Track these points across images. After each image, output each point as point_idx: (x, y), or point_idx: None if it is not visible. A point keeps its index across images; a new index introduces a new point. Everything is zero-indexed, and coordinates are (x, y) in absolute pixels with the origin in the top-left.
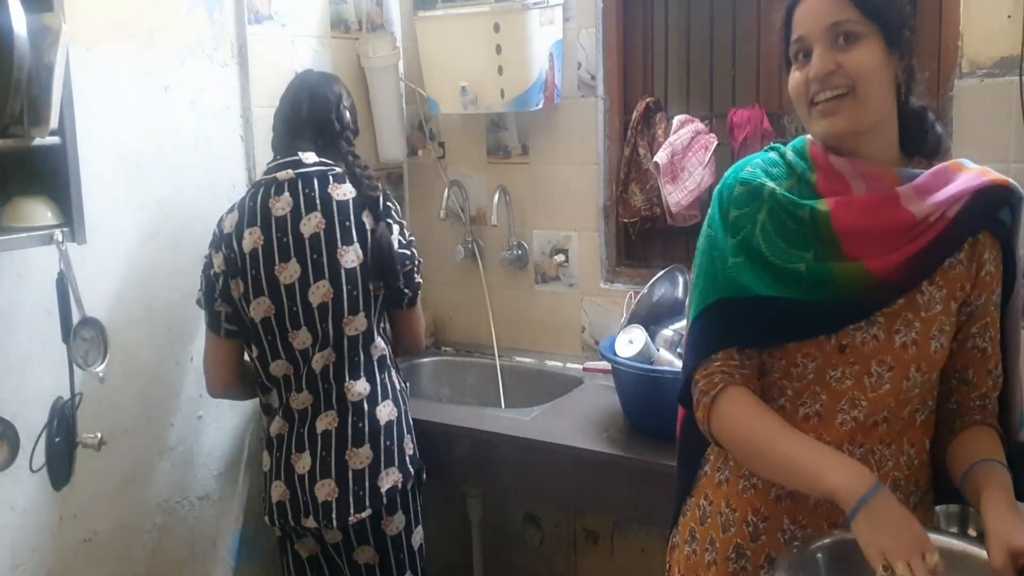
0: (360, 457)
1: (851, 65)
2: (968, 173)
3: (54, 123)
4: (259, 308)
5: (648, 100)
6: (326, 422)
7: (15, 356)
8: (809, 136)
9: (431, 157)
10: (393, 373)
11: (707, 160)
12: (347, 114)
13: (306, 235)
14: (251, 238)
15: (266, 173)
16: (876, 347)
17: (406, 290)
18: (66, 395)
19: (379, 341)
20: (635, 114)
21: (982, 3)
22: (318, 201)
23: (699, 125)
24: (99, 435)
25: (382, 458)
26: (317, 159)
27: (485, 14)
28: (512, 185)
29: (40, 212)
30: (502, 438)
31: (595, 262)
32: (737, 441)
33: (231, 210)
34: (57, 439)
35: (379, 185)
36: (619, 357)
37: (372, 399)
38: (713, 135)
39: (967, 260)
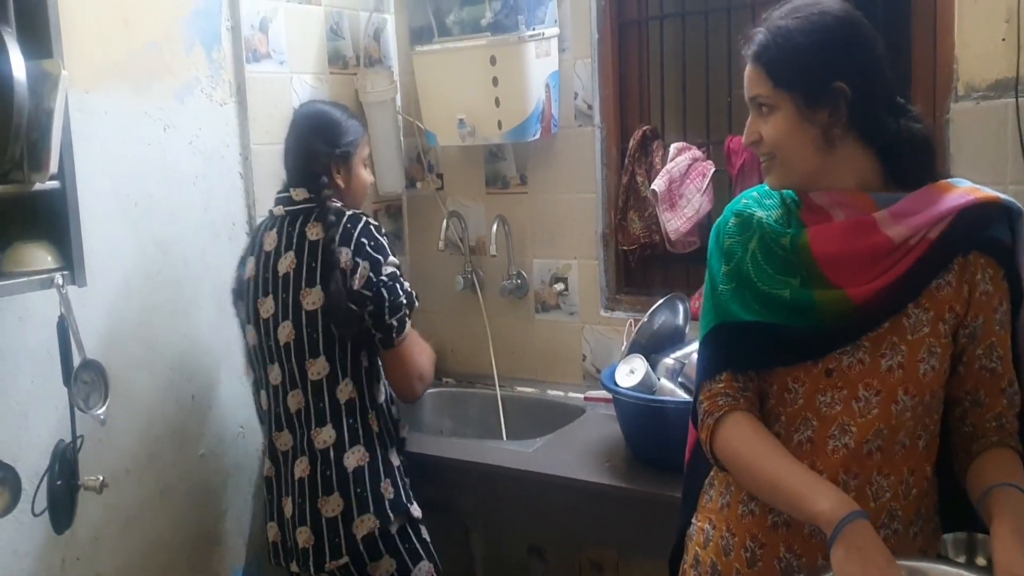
0: (331, 505)
1: (766, 135)
2: (955, 192)
3: (54, 168)
4: (250, 335)
5: (645, 128)
6: (301, 468)
7: (16, 399)
8: None
9: (430, 188)
10: (369, 416)
11: (705, 187)
12: (344, 137)
13: (280, 273)
14: (249, 267)
15: (273, 205)
16: (862, 371)
17: (375, 331)
18: (67, 438)
19: (345, 384)
20: (632, 142)
21: (976, 26)
22: (294, 240)
23: (696, 152)
24: (101, 477)
25: (354, 505)
26: (305, 196)
27: (481, 47)
28: (511, 215)
29: (40, 256)
30: (504, 471)
31: (595, 290)
32: (734, 462)
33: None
34: (59, 482)
35: (362, 218)
36: (620, 387)
37: (339, 446)
38: (710, 162)
39: (956, 281)
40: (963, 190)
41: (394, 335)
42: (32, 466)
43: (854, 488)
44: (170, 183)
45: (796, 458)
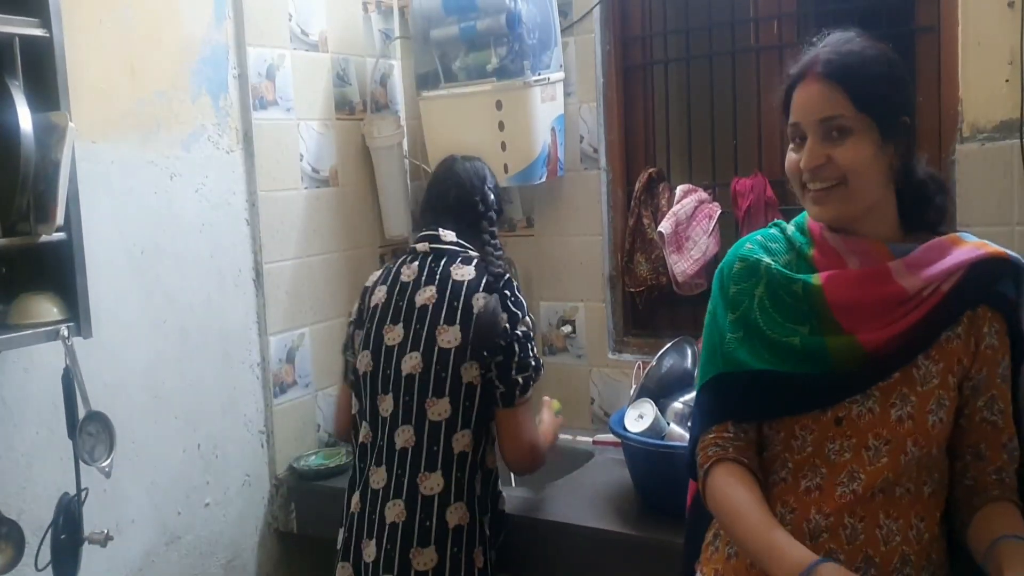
0: (425, 558)
1: (842, 160)
2: (965, 247)
3: (60, 219)
4: (363, 361)
5: (651, 171)
6: (395, 512)
7: (21, 452)
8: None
9: None
10: (477, 475)
11: (711, 229)
12: (491, 195)
13: (417, 304)
14: (378, 295)
15: (413, 241)
16: (872, 420)
17: (498, 383)
18: (72, 491)
19: (463, 435)
20: (638, 185)
21: (980, 68)
22: (437, 277)
23: (702, 194)
24: (106, 531)
25: (447, 564)
26: (455, 239)
27: (488, 92)
28: (518, 257)
29: (46, 308)
30: (513, 518)
31: (602, 333)
32: (718, 515)
33: (380, 270)
34: (63, 536)
35: (504, 269)
36: (629, 432)
37: (444, 498)
38: (717, 204)
39: (965, 334)
40: (973, 244)
41: (517, 392)
42: (36, 520)
43: (862, 531)
44: (176, 232)
45: (802, 503)
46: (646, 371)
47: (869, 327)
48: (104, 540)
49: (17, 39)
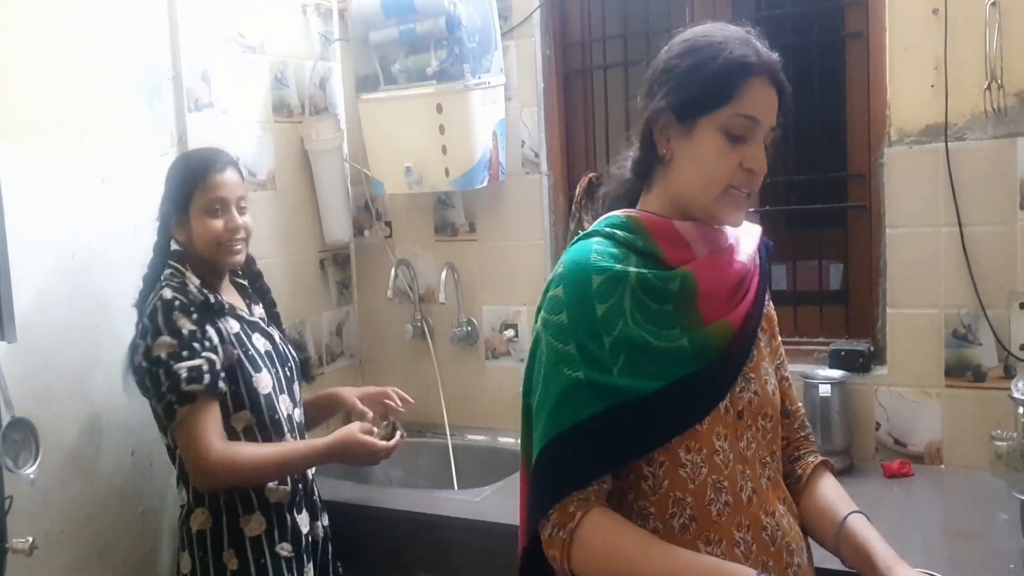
0: (183, 562)
1: (764, 173)
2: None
3: None
4: None
5: (591, 175)
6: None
7: None
8: (626, 212)
9: (378, 237)
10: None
11: None
12: (174, 189)
13: None
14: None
15: None
16: (760, 402)
17: (153, 405)
18: None
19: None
20: (578, 189)
21: (907, 74)
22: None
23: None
24: (31, 539)
25: (198, 568)
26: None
27: (428, 95)
28: (460, 262)
29: None
30: (453, 521)
31: None
32: (605, 571)
33: None
34: None
35: (163, 292)
36: None
37: (184, 508)
38: None
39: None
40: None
41: (168, 417)
42: None
43: (753, 540)
44: (108, 235)
45: (747, 515)
46: None
47: (725, 308)
48: (29, 549)
49: None
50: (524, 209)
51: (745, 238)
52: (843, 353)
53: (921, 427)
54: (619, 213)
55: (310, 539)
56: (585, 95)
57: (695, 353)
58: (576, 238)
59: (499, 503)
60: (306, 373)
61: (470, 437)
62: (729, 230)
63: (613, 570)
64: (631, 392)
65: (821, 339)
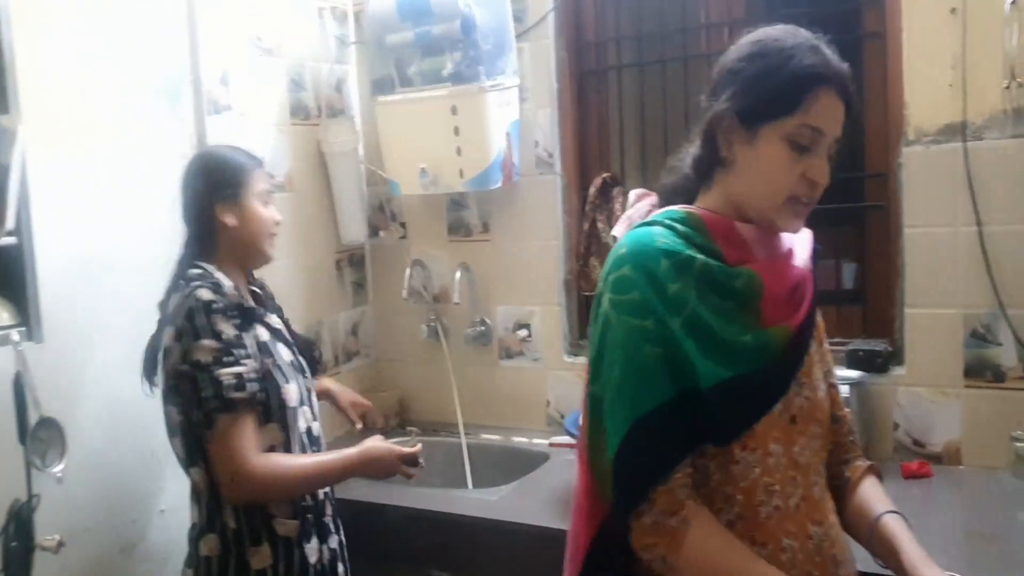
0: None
1: (826, 183)
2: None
3: (11, 224)
4: None
5: (605, 175)
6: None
7: None
8: (685, 208)
9: (393, 237)
10: (217, 504)
11: None
12: (231, 175)
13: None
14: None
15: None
16: (811, 408)
17: (178, 416)
18: (23, 497)
19: (194, 472)
20: (592, 189)
21: (925, 73)
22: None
23: (655, 198)
24: (58, 537)
25: None
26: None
27: (443, 97)
28: (474, 263)
29: None
30: (469, 520)
31: (558, 336)
32: (712, 572)
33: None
34: (14, 543)
35: (195, 295)
36: None
37: (193, 530)
38: None
39: None
40: None
41: (207, 429)
42: None
43: (800, 548)
44: (129, 237)
45: (758, 530)
46: None
47: (784, 313)
48: (56, 547)
49: None
50: (538, 209)
51: (799, 243)
52: (861, 353)
53: (940, 427)
54: (678, 208)
55: (319, 567)
56: (599, 95)
57: (757, 351)
58: (636, 226)
59: (515, 503)
60: (314, 369)
61: (484, 436)
62: (784, 236)
63: (719, 572)
64: (709, 375)
65: (838, 339)
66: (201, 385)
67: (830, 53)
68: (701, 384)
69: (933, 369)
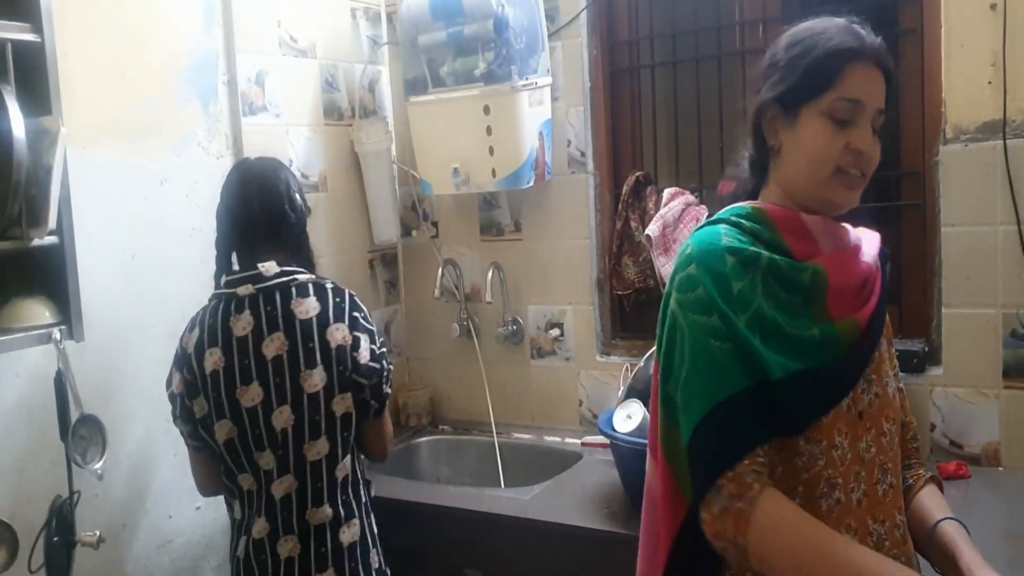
0: None
1: (877, 155)
2: (857, 226)
3: (52, 224)
4: (222, 430)
5: (638, 174)
6: (288, 548)
7: (14, 455)
8: (751, 203)
9: (425, 237)
10: (360, 487)
11: None
12: (298, 198)
13: (268, 357)
14: (212, 359)
15: (226, 286)
16: (880, 405)
17: (373, 402)
18: (64, 494)
19: (345, 462)
20: (625, 188)
21: (963, 70)
22: (280, 320)
23: (689, 197)
24: (98, 533)
25: None
26: (278, 269)
27: (475, 97)
28: (506, 262)
29: (38, 312)
30: (502, 519)
31: (590, 335)
32: (788, 552)
33: (192, 327)
34: (55, 539)
35: (344, 291)
36: (618, 432)
37: (335, 522)
38: (704, 206)
39: None
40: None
41: (386, 403)
42: (29, 522)
43: (884, 533)
44: (167, 237)
45: (856, 523)
46: (634, 372)
47: (852, 307)
48: (96, 543)
49: (9, 44)
50: (570, 208)
51: (867, 241)
52: (897, 353)
53: (978, 428)
54: (744, 204)
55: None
56: (632, 94)
57: (824, 345)
58: (701, 224)
59: (547, 502)
60: None
61: (516, 436)
62: (852, 231)
63: (798, 548)
64: (779, 367)
65: None
66: (389, 379)
67: (863, 31)
68: (772, 376)
69: (971, 369)
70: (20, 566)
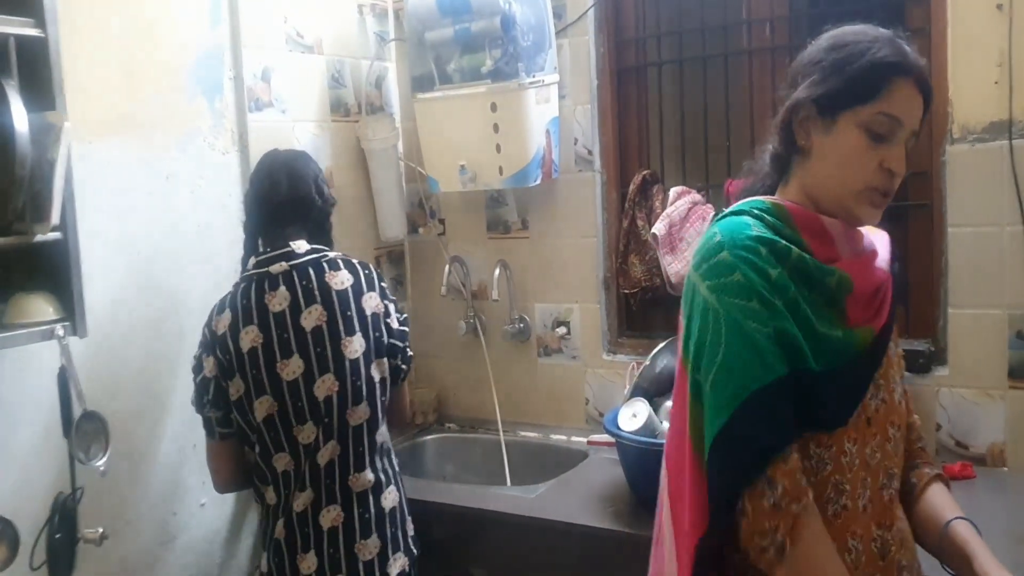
0: (369, 548)
1: (903, 174)
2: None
3: (56, 219)
4: (262, 407)
5: (644, 173)
6: (331, 518)
7: (16, 452)
8: (770, 198)
9: (432, 234)
10: (392, 457)
11: (705, 230)
12: (325, 187)
13: (308, 328)
14: (248, 337)
15: (256, 267)
16: (887, 410)
17: (403, 366)
18: (67, 490)
19: (383, 428)
20: (632, 186)
21: (970, 70)
22: (317, 292)
23: (696, 196)
24: (101, 529)
25: (389, 545)
26: (309, 247)
27: (482, 94)
28: (512, 260)
29: (41, 308)
30: (508, 517)
31: (597, 334)
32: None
33: (222, 310)
34: (58, 535)
35: (369, 264)
36: (623, 431)
37: (377, 488)
38: (710, 205)
39: None
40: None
41: (411, 366)
42: (31, 519)
43: (864, 550)
44: (172, 232)
45: (860, 523)
46: (640, 371)
47: (867, 314)
48: (99, 539)
49: (13, 39)
50: (577, 206)
51: (880, 245)
52: (903, 353)
53: (984, 429)
54: (763, 199)
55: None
56: (639, 92)
57: (844, 347)
58: (722, 215)
59: (553, 500)
60: None
61: (522, 434)
62: (866, 235)
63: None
64: (804, 362)
65: None
66: (409, 343)
67: (909, 49)
68: (811, 366)
69: (977, 370)
70: (22, 562)
